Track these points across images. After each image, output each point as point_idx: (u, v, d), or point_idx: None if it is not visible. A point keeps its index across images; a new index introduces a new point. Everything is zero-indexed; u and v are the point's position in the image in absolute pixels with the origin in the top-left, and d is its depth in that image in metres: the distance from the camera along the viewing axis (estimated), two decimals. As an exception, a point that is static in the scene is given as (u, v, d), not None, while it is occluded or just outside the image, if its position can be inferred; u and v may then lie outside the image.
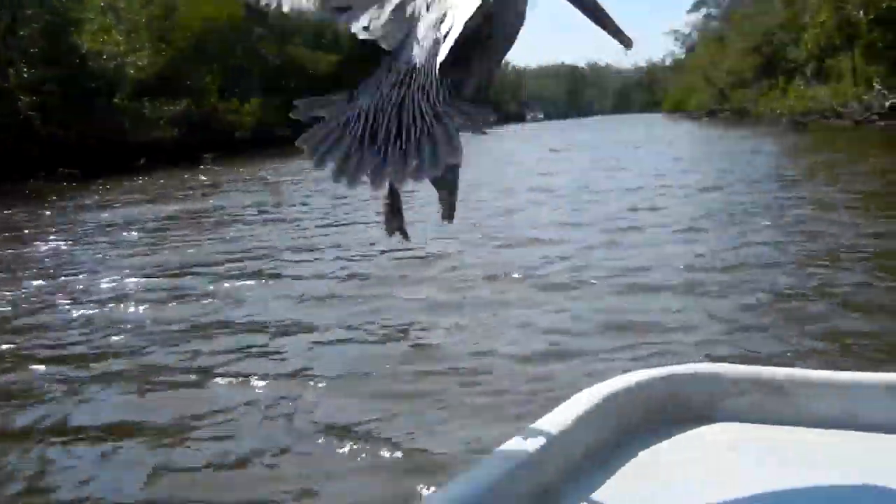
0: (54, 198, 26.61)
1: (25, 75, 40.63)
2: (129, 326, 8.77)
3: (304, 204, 19.95)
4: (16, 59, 40.31)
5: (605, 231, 12.59)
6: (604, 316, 8.02)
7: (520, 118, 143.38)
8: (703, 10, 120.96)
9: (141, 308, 9.58)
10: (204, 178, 31.09)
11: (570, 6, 1.85)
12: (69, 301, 10.26)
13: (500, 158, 31.66)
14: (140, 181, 32.13)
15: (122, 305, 9.80)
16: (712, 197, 16.46)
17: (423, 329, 7.97)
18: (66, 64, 40.34)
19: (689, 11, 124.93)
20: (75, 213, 21.31)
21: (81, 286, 11.22)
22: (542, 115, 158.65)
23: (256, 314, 8.91)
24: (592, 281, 9.38)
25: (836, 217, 13.09)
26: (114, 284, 11.12)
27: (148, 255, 13.53)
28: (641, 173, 22.50)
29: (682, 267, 9.91)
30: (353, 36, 1.95)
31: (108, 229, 17.23)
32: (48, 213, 22.03)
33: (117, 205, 22.50)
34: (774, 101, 60.69)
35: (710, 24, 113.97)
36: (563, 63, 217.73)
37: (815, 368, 2.19)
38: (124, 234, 16.39)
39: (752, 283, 9.09)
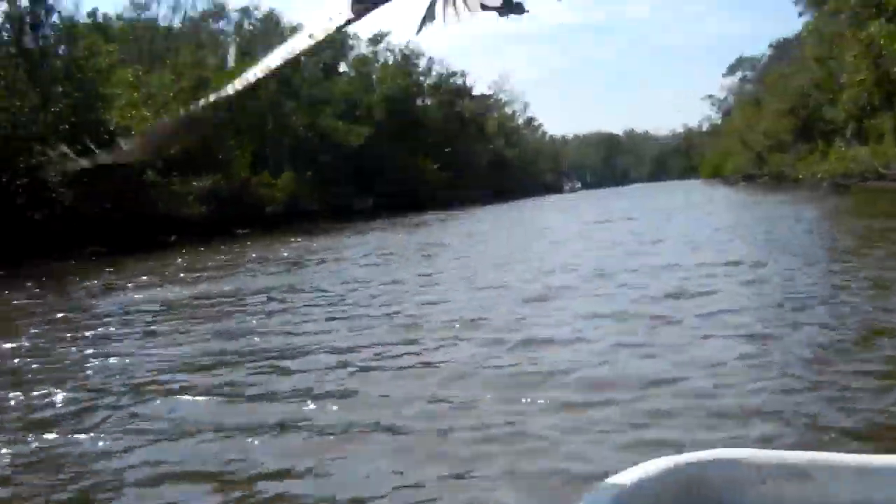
0: (79, 277, 25.91)
1: (54, 151, 40.30)
2: (156, 421, 8.20)
3: (343, 283, 18.88)
4: (46, 136, 40.06)
5: (638, 318, 11.52)
6: (626, 406, 7.45)
7: (558, 188, 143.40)
8: (739, 74, 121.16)
9: (170, 400, 8.99)
10: (234, 255, 30.31)
11: None
12: (93, 393, 9.60)
13: (534, 232, 30.87)
14: (169, 259, 31.41)
15: (151, 396, 9.23)
16: (755, 275, 15.27)
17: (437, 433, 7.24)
18: (95, 140, 39.76)
19: (725, 75, 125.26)
20: (102, 294, 20.51)
21: (106, 375, 10.60)
22: (579, 185, 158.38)
23: (292, 412, 8.09)
24: (618, 385, 8.36)
25: (885, 294, 12.10)
26: (142, 373, 10.51)
27: (176, 341, 12.64)
28: (679, 247, 21.27)
29: (713, 358, 9.03)
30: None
31: (134, 312, 16.35)
32: (73, 293, 21.43)
33: (144, 285, 21.71)
34: (813, 163, 59.50)
35: (746, 87, 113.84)
36: (600, 131, 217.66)
37: (839, 452, 2.23)
38: (151, 317, 15.53)
39: (780, 364, 8.55)
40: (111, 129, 40.26)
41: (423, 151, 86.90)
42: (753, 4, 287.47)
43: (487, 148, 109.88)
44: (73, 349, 12.82)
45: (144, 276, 25.02)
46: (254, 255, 29.28)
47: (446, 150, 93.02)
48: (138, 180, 41.28)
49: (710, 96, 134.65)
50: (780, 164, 68.22)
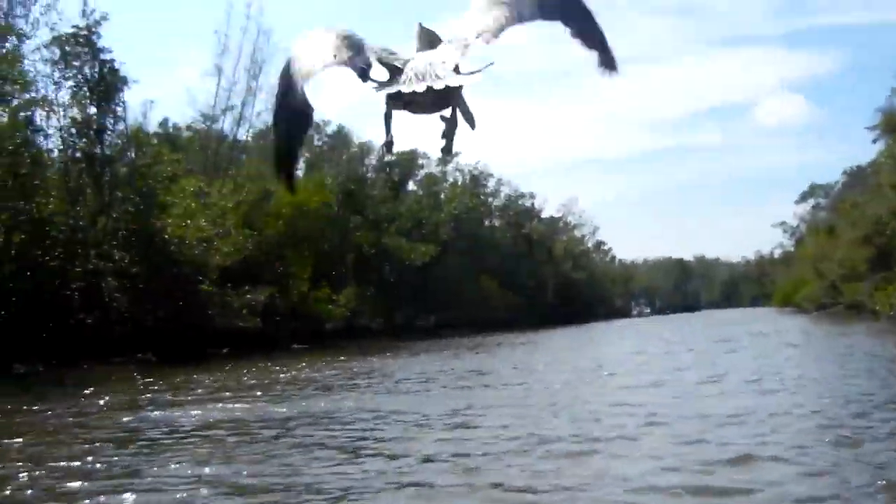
0: (119, 385, 25.55)
1: (113, 257, 40.02)
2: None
3: (381, 415, 17.28)
4: (103, 241, 39.73)
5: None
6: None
7: (626, 313, 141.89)
8: (811, 201, 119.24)
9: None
10: (282, 373, 29.00)
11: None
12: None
13: (594, 363, 28.90)
14: (218, 373, 30.35)
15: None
16: (836, 433, 12.56)
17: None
18: (153, 248, 39.50)
19: (797, 202, 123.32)
20: (130, 407, 19.44)
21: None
22: (648, 310, 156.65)
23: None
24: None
25: None
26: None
27: (215, 468, 11.46)
28: (751, 389, 18.99)
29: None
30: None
31: (159, 431, 15.27)
32: (104, 402, 20.60)
33: (189, 400, 20.75)
34: (892, 295, 57.27)
35: (819, 214, 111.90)
36: (670, 256, 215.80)
37: None
38: (190, 439, 14.30)
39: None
40: (168, 238, 39.67)
41: (489, 272, 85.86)
42: (826, 132, 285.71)
43: (555, 271, 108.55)
44: (63, 463, 11.86)
45: (183, 389, 24.01)
46: (302, 376, 27.89)
47: (512, 271, 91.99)
48: (193, 290, 40.53)
49: (783, 223, 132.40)
50: (856, 294, 65.85)
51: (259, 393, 22.02)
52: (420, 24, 3.59)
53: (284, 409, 17.88)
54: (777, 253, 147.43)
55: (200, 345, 39.99)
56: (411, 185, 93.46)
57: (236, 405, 19.01)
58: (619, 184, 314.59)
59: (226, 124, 59.20)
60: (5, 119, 39.34)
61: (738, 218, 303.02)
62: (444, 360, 33.83)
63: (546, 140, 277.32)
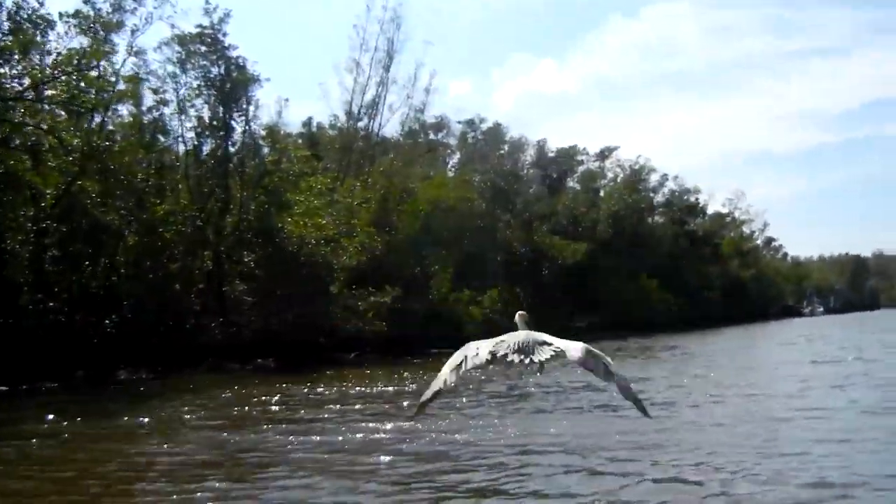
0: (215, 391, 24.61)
1: (234, 258, 38.55)
2: None
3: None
4: (226, 242, 38.29)
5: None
6: None
7: (798, 312, 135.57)
8: None
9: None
10: (415, 381, 26.91)
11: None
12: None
13: (747, 376, 25.26)
14: (336, 379, 28.44)
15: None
16: None
17: None
18: (275, 249, 37.65)
19: None
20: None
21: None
22: (821, 309, 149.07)
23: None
24: None
25: None
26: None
27: None
28: None
29: None
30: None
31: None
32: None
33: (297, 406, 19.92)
34: None
35: None
36: (846, 253, 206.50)
37: None
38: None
39: None
40: (292, 237, 37.71)
41: (650, 271, 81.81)
42: None
43: (721, 269, 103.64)
44: None
45: (277, 397, 22.52)
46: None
47: (675, 270, 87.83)
48: (318, 292, 38.44)
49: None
50: None
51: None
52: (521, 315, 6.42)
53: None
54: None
55: (325, 349, 37.86)
56: (571, 183, 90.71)
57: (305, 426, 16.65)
58: (793, 180, 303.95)
59: (364, 121, 57.63)
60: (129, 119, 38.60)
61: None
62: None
63: (715, 136, 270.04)
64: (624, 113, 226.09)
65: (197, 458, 14.00)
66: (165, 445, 15.26)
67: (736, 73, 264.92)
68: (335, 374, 31.65)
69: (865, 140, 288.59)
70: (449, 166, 74.84)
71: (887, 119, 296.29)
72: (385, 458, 13.24)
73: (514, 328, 6.03)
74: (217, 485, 11.86)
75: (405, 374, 30.09)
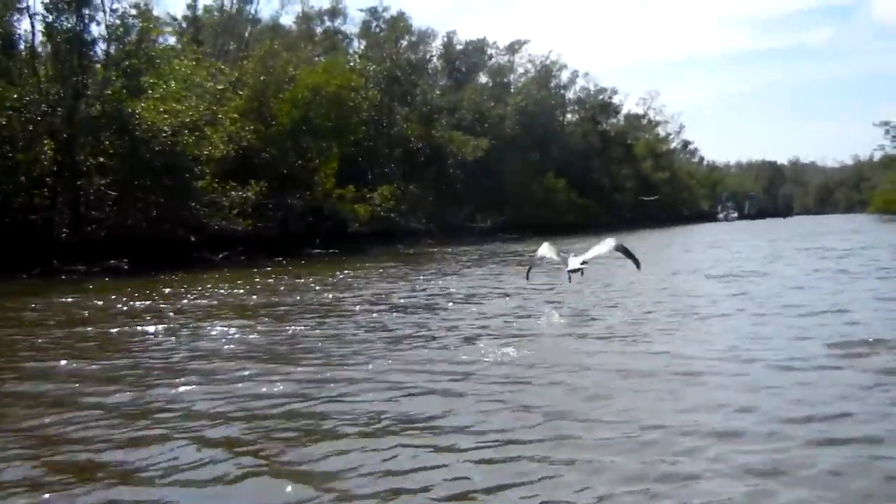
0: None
1: (88, 150, 34.26)
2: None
3: None
4: (77, 136, 33.88)
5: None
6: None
7: (712, 216, 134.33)
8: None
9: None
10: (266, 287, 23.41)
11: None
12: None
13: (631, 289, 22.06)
14: (184, 283, 24.95)
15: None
16: None
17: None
18: (129, 138, 33.45)
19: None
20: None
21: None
22: (735, 214, 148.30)
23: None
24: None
25: None
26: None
27: None
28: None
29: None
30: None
31: None
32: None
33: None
34: None
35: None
36: (762, 160, 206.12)
37: None
38: None
39: None
40: (149, 126, 33.43)
41: (557, 171, 78.67)
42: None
43: (634, 171, 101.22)
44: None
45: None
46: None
47: (585, 171, 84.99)
48: (184, 186, 34.59)
49: (886, 123, 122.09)
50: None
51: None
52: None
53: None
54: (878, 156, 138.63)
55: (191, 249, 34.13)
56: (483, 79, 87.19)
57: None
58: (716, 85, 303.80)
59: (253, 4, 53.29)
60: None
61: (840, 121, 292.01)
62: (475, 273, 27.15)
63: (634, 39, 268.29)
64: (540, 10, 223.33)
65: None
66: None
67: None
68: (189, 276, 27.89)
69: (787, 49, 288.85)
70: (350, 57, 70.67)
71: (810, 28, 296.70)
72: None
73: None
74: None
75: (261, 278, 26.43)
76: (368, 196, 49.07)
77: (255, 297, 20.13)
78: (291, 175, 42.15)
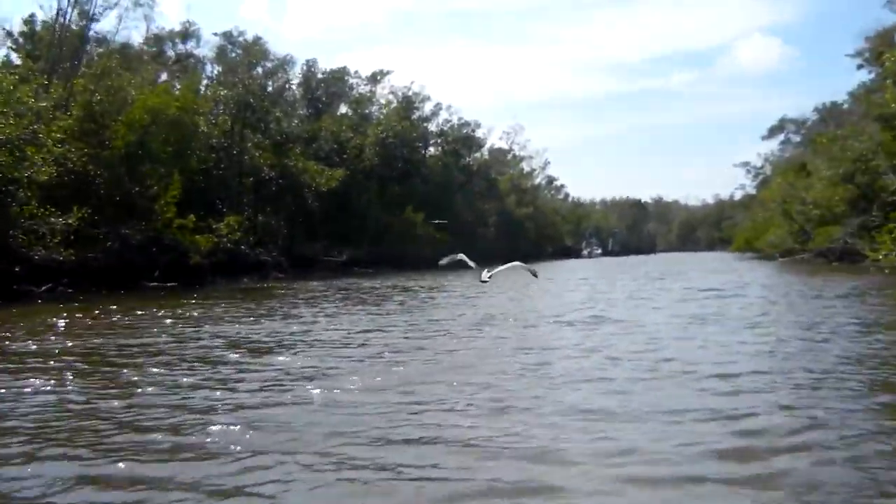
0: None
1: None
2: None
3: None
4: None
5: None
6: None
7: (577, 252, 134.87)
8: (780, 137, 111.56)
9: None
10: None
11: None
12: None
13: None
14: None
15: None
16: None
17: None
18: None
19: (765, 138, 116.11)
20: None
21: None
22: (599, 251, 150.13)
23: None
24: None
25: None
26: None
27: None
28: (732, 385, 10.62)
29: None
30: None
31: None
32: None
33: None
34: (874, 240, 49.07)
35: (786, 153, 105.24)
36: (627, 197, 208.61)
37: None
38: None
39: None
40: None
41: (418, 204, 76.44)
42: (802, 77, 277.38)
43: (498, 205, 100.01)
44: None
45: None
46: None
47: (447, 205, 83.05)
48: (2, 213, 31.24)
49: (746, 163, 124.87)
50: (830, 239, 57.19)
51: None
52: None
53: None
54: (738, 195, 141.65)
55: (8, 281, 30.65)
56: (344, 109, 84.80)
57: None
58: (583, 127, 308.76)
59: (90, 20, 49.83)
60: None
61: (702, 162, 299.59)
62: (311, 309, 24.52)
63: (507, 80, 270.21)
64: (411, 47, 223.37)
65: None
66: None
67: (530, 19, 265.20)
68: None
69: (652, 91, 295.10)
70: (204, 82, 67.40)
71: (674, 71, 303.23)
72: None
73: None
74: None
75: (80, 315, 23.34)
76: (214, 226, 45.88)
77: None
78: (128, 202, 38.83)
